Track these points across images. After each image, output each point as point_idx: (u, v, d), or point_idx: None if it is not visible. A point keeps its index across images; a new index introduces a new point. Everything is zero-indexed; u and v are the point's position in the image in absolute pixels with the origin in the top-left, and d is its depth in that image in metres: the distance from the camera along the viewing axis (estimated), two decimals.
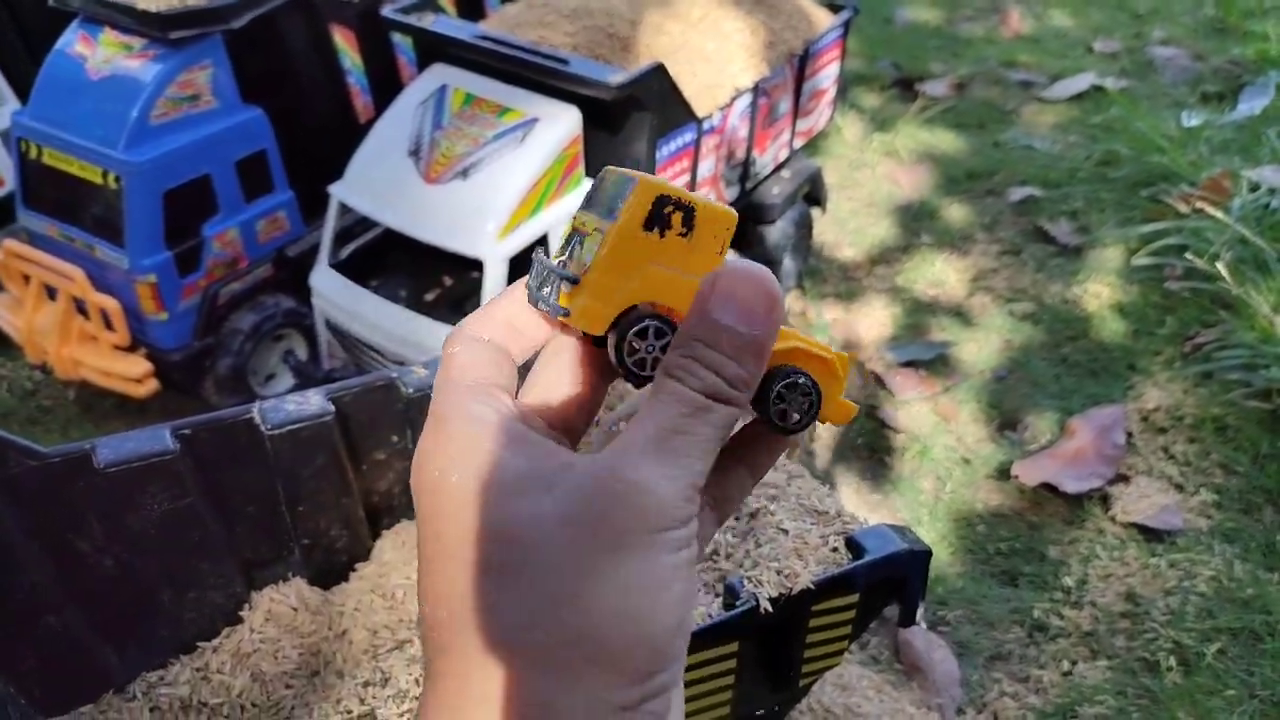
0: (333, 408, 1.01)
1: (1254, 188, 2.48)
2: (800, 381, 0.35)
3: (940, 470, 2.05)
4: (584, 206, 0.36)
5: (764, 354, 0.32)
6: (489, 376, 0.34)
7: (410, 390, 1.04)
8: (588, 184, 1.96)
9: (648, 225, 0.33)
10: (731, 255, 0.37)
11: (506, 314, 0.36)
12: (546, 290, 0.34)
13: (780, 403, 0.35)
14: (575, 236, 0.35)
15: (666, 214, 0.33)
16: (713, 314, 0.31)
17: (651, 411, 0.31)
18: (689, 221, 0.33)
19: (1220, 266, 2.28)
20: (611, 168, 0.36)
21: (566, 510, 0.30)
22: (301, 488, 1.03)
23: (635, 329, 0.33)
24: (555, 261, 0.35)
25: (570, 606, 0.29)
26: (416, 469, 0.33)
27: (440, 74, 1.98)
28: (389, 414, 1.05)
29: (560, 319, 0.34)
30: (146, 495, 0.96)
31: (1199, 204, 2.51)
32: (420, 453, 0.33)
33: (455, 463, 0.31)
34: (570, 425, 0.36)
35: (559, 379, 0.36)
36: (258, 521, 1.03)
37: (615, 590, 0.29)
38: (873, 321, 2.49)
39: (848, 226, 2.86)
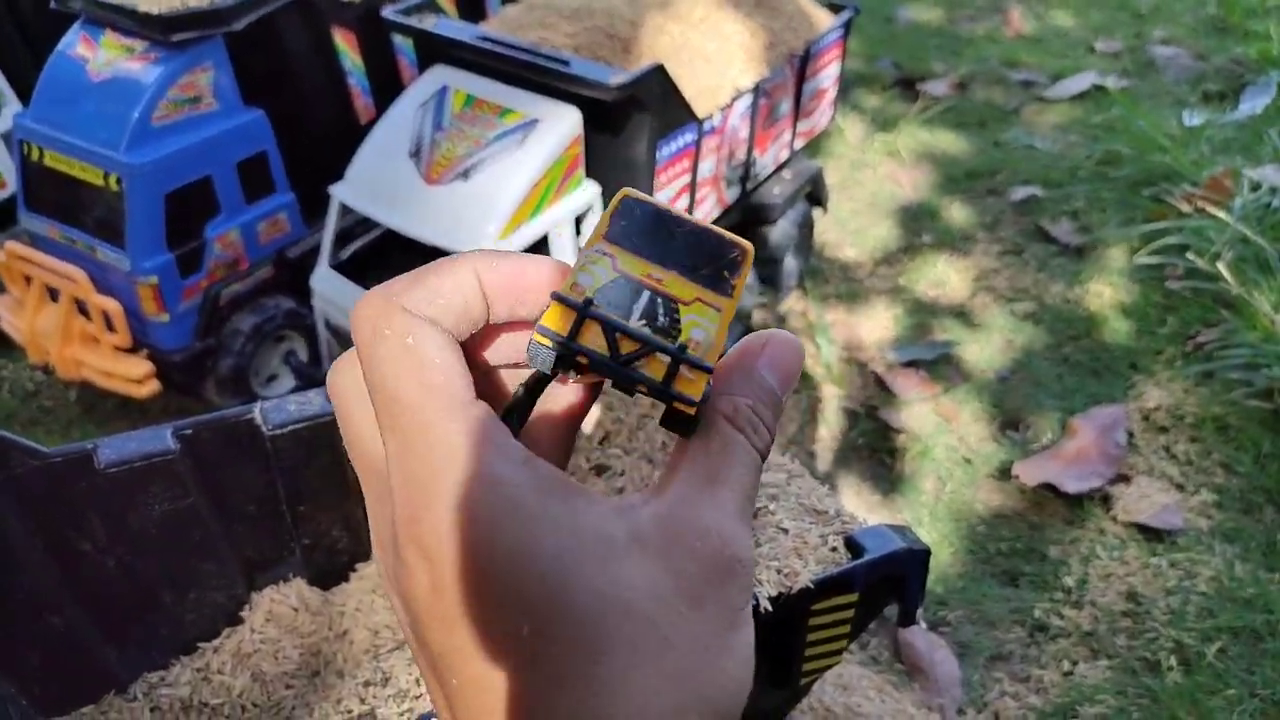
0: (333, 408, 1.01)
1: (1255, 187, 2.48)
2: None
3: (941, 470, 2.05)
4: (627, 245, 0.30)
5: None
6: (470, 391, 0.29)
7: None
8: (588, 185, 1.96)
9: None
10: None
11: (460, 296, 0.30)
12: (640, 364, 0.29)
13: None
14: (649, 296, 0.30)
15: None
16: (761, 372, 0.31)
17: (732, 473, 0.30)
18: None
19: (1222, 266, 2.28)
20: (638, 199, 0.31)
21: (687, 584, 0.28)
22: (303, 488, 1.04)
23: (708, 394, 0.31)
24: (655, 335, 0.30)
25: (709, 685, 0.28)
26: (445, 522, 0.27)
27: (441, 75, 1.98)
28: None
29: (682, 406, 0.30)
30: (148, 495, 0.96)
31: (1200, 203, 2.51)
32: (435, 507, 0.27)
33: (521, 529, 0.27)
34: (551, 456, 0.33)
35: (548, 405, 0.33)
36: (259, 522, 1.04)
37: (739, 665, 0.29)
38: (874, 322, 2.49)
39: (849, 227, 2.86)
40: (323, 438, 1.01)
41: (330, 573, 1.10)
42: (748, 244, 0.30)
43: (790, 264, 2.54)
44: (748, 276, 0.31)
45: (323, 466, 1.03)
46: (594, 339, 0.30)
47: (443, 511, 0.27)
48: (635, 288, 0.30)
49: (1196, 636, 1.63)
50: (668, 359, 0.29)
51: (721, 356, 0.31)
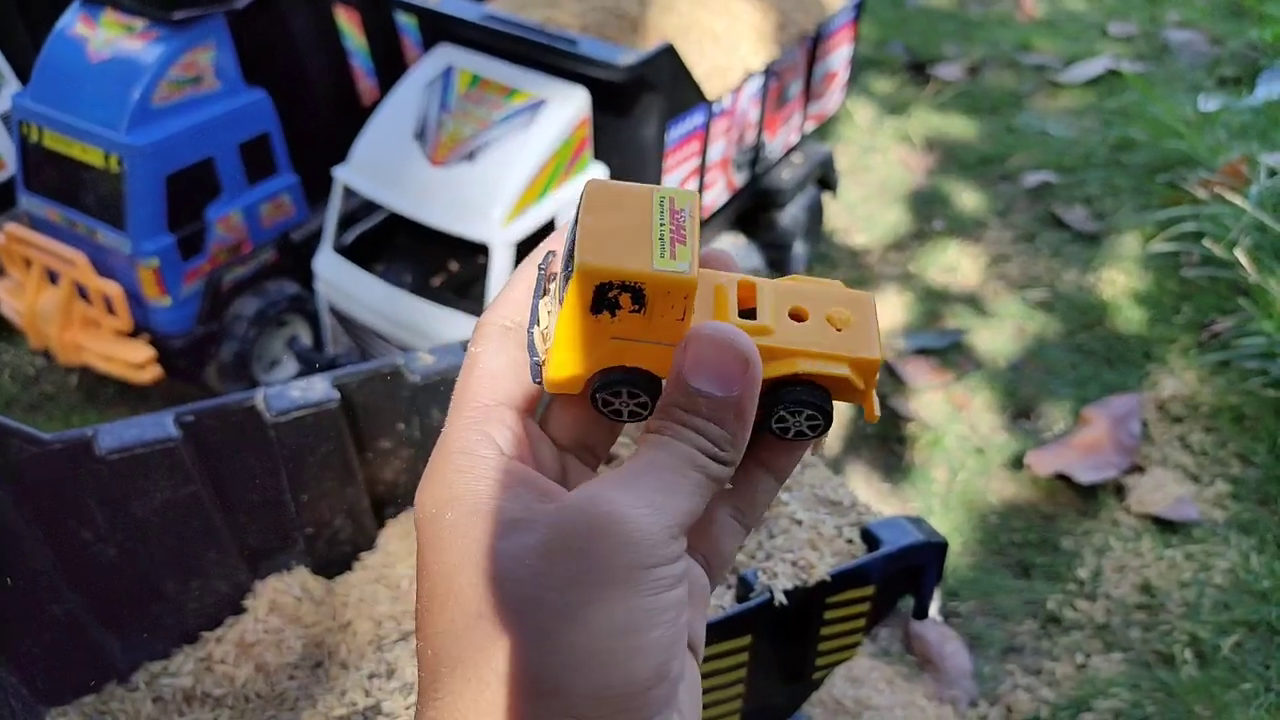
0: (337, 394, 0.99)
1: (1272, 173, 2.44)
2: (804, 399, 0.33)
3: (953, 460, 2.02)
4: (572, 225, 0.33)
5: (746, 412, 0.31)
6: (508, 393, 0.33)
7: (416, 377, 1.01)
8: (596, 167, 1.93)
9: (595, 309, 0.31)
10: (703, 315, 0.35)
11: (521, 298, 0.35)
12: (532, 336, 0.34)
13: (782, 423, 0.34)
14: (551, 285, 0.33)
15: (613, 298, 0.30)
16: (688, 380, 0.30)
17: (639, 451, 0.31)
18: (639, 300, 0.30)
19: (1238, 253, 2.24)
20: (591, 183, 0.33)
21: (547, 543, 0.28)
22: (306, 475, 1.01)
23: (606, 391, 0.32)
24: (539, 306, 0.34)
25: (548, 650, 0.27)
26: (419, 498, 0.32)
27: (446, 55, 1.95)
28: (395, 401, 1.03)
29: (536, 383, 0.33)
30: (149, 483, 0.94)
31: (1217, 189, 2.47)
32: (424, 480, 0.32)
33: (450, 502, 0.31)
34: (589, 444, 0.35)
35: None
36: (261, 510, 1.02)
37: (589, 633, 0.27)
38: (884, 309, 2.45)
39: (859, 212, 2.82)
40: (326, 425, 0.99)
41: (333, 562, 1.07)
42: (583, 262, 0.30)
43: (799, 249, 2.51)
44: (584, 295, 0.31)
45: (325, 454, 1.01)
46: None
47: (423, 485, 0.32)
48: (564, 262, 0.33)
49: (1212, 630, 1.61)
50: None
51: (556, 347, 0.32)
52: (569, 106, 1.81)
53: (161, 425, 0.93)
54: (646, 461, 0.30)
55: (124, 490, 0.93)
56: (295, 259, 2.18)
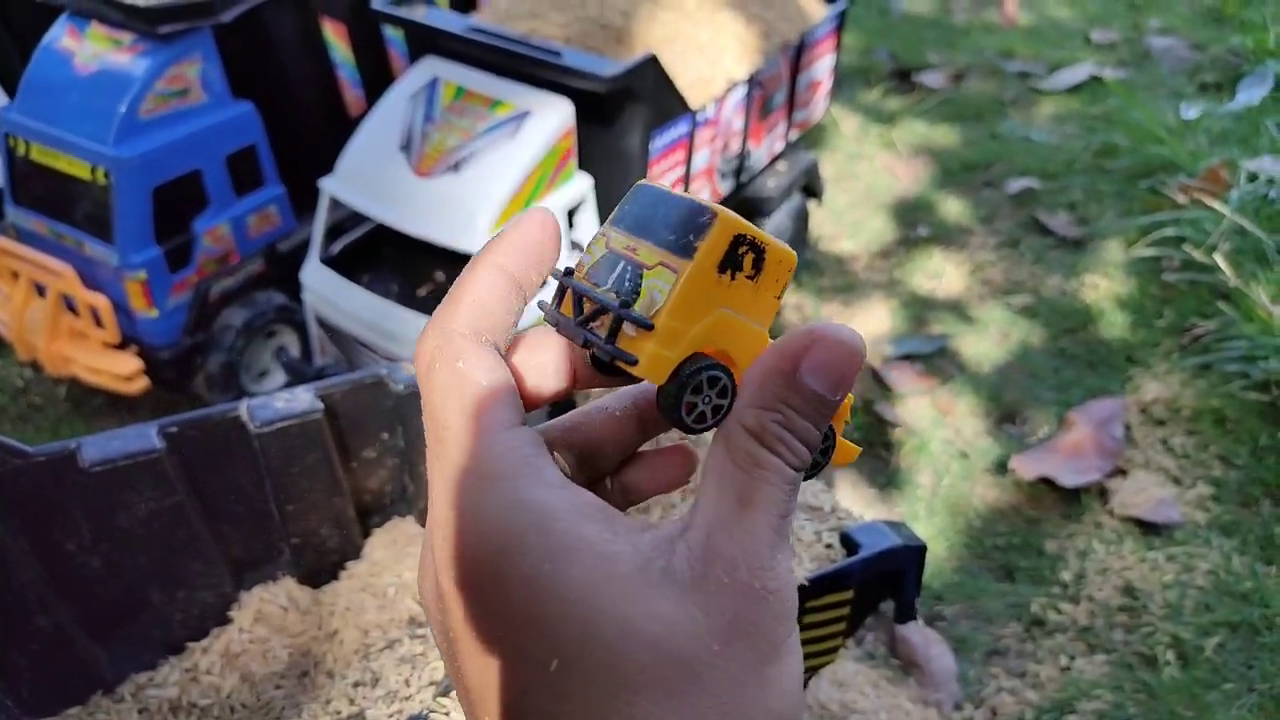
0: (321, 405, 0.99)
1: (1252, 178, 2.47)
2: (718, 378, 0.31)
3: (937, 464, 2.04)
4: (622, 225, 0.32)
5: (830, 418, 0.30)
6: (519, 414, 0.30)
7: (400, 387, 1.02)
8: (581, 178, 1.94)
9: (721, 267, 0.30)
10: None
11: (488, 303, 0.31)
12: (596, 325, 0.31)
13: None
14: (623, 264, 0.31)
15: (740, 255, 0.30)
16: (804, 378, 0.28)
17: (760, 495, 0.28)
18: (759, 264, 0.30)
19: (1219, 258, 2.27)
20: (646, 185, 0.32)
21: (718, 621, 0.27)
22: (291, 486, 1.02)
23: (701, 378, 0.30)
24: (608, 295, 0.31)
25: None
26: (480, 553, 0.27)
27: (431, 67, 1.96)
28: (379, 411, 1.04)
29: (624, 365, 0.30)
30: (133, 494, 0.95)
31: (1197, 195, 2.50)
32: (471, 531, 0.28)
33: (548, 554, 0.27)
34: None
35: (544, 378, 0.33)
36: (247, 521, 1.02)
37: (779, 697, 0.28)
38: (870, 316, 2.47)
39: (844, 219, 2.84)
40: (311, 435, 1.00)
41: (320, 572, 1.08)
42: (720, 209, 0.30)
43: None
44: (721, 244, 0.30)
45: (311, 465, 1.02)
46: (570, 306, 0.32)
47: (476, 536, 0.27)
48: (614, 260, 0.32)
49: (1194, 631, 1.62)
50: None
51: (669, 312, 0.30)
52: (553, 117, 1.83)
53: (145, 437, 0.94)
54: (776, 509, 0.28)
55: (109, 502, 0.94)
56: (283, 270, 2.19)
